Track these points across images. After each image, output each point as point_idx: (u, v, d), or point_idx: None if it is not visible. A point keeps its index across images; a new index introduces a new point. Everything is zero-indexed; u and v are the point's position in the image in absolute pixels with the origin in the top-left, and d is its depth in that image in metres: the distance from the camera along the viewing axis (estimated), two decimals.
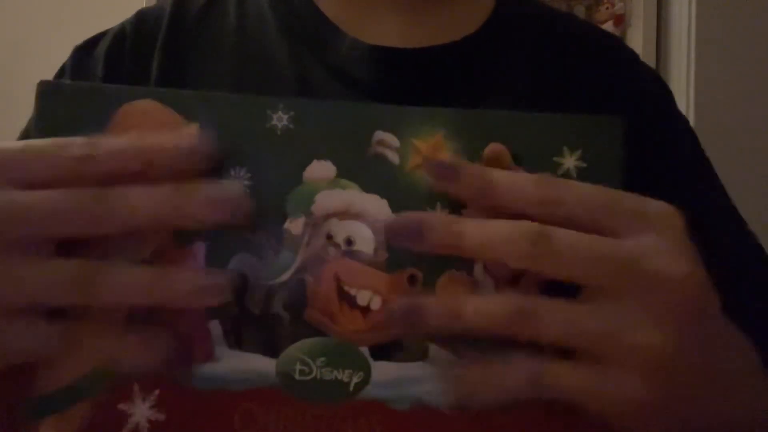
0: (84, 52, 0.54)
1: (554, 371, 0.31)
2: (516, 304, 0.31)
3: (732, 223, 0.55)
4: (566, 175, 0.34)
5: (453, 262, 0.33)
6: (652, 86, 0.57)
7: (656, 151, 0.52)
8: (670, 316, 0.31)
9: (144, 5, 1.43)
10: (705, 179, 0.56)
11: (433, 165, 0.33)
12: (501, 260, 0.31)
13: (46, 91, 0.34)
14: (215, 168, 0.33)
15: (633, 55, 0.59)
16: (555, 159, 0.34)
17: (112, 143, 0.31)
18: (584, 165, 0.34)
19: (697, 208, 0.53)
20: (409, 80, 0.50)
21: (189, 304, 0.32)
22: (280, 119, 0.34)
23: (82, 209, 0.30)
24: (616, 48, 0.59)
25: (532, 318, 0.30)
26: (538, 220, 0.31)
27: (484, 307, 0.31)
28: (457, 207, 0.34)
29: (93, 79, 0.51)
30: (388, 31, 0.51)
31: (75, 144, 0.31)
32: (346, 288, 0.33)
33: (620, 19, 1.75)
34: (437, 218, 0.32)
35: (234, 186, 0.33)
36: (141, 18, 0.55)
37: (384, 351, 0.33)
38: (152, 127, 0.33)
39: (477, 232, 0.31)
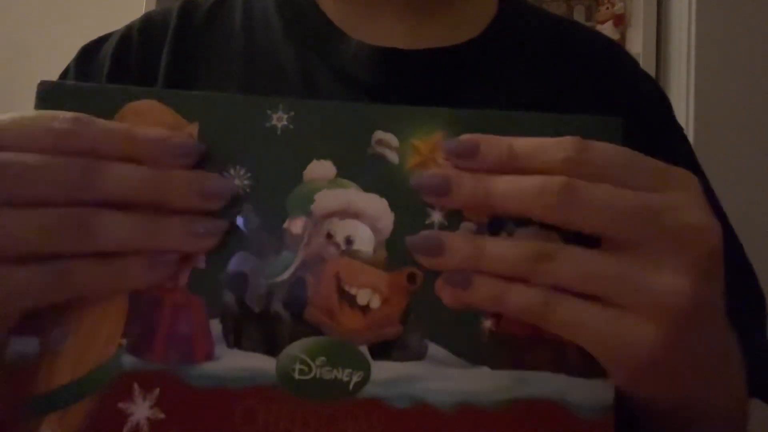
0: (89, 52, 0.54)
1: (569, 303, 0.31)
2: (536, 246, 0.31)
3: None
4: None
5: None
6: (651, 94, 0.57)
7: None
8: (696, 264, 0.31)
9: (143, 5, 1.44)
10: None
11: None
12: (528, 213, 0.31)
13: (46, 92, 0.34)
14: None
15: (633, 62, 0.59)
16: None
17: (99, 123, 0.32)
18: None
19: None
20: (413, 82, 0.50)
21: (182, 249, 0.33)
22: (280, 119, 0.34)
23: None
24: (617, 55, 0.59)
25: (551, 260, 0.31)
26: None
27: (504, 248, 0.32)
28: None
29: (98, 80, 0.52)
30: (392, 34, 0.51)
31: (61, 118, 0.32)
32: (346, 287, 0.33)
33: (620, 19, 1.75)
34: (464, 174, 0.33)
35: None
36: (148, 20, 0.55)
37: (384, 350, 0.33)
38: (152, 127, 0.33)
39: (505, 186, 0.32)
